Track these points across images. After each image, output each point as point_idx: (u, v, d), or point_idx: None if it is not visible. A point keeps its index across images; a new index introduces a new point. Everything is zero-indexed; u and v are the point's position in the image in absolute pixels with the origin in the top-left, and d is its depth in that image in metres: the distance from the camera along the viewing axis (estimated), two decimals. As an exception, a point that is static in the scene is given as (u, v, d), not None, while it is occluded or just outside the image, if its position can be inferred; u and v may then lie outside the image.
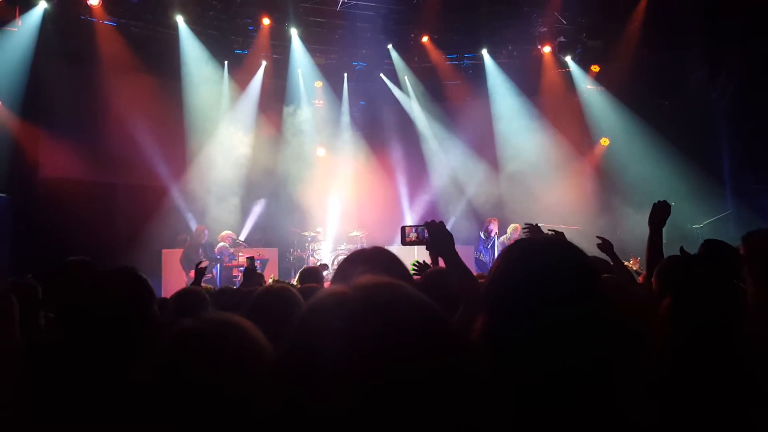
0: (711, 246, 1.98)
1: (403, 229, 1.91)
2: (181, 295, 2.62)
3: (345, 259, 1.37)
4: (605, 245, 2.81)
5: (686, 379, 1.24)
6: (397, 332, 0.52)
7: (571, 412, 0.80)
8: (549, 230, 2.87)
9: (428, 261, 2.76)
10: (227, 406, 0.78)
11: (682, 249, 2.38)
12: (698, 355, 1.27)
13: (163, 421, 0.78)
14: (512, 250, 0.97)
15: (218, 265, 8.35)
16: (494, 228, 8.08)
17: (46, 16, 7.88)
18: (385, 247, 1.40)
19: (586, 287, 0.88)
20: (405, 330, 0.53)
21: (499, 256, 0.99)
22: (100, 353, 1.21)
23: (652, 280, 1.88)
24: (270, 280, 4.72)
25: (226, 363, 0.81)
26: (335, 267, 8.70)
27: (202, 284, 6.45)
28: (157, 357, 0.83)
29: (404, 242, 1.90)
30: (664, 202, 2.45)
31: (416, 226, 1.88)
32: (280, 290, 1.78)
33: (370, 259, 1.32)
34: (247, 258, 3.88)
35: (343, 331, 0.53)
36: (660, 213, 2.42)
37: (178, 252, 8.29)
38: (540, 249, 0.94)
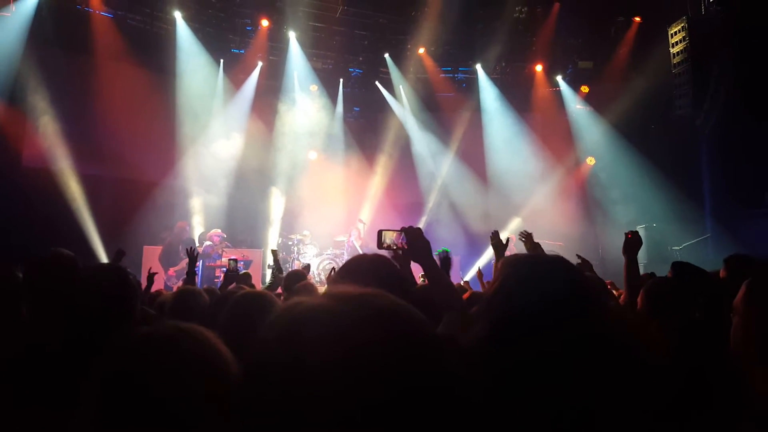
0: (680, 268, 2.05)
1: (380, 233, 1.85)
2: (180, 294, 2.55)
3: (342, 268, 1.39)
4: (584, 264, 2.92)
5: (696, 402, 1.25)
6: (382, 349, 0.50)
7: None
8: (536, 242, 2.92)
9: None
10: (174, 417, 0.75)
11: (652, 275, 2.48)
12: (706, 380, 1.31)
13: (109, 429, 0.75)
14: (517, 265, 0.98)
15: (200, 263, 8.24)
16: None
17: (41, 3, 7.79)
18: (379, 254, 1.41)
19: (587, 310, 0.90)
20: (390, 347, 0.50)
21: (501, 267, 1.01)
22: (78, 349, 1.19)
23: (638, 300, 1.94)
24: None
25: (178, 372, 0.78)
26: (319, 271, 8.64)
27: (180, 283, 6.35)
28: (105, 361, 0.81)
29: (380, 246, 1.86)
30: (636, 232, 2.61)
31: (394, 231, 1.85)
32: (256, 297, 1.73)
33: (366, 271, 1.32)
34: (229, 260, 3.80)
35: (327, 347, 0.50)
36: (633, 244, 2.56)
37: (158, 249, 8.18)
38: (545, 268, 0.96)
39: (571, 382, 0.83)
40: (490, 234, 2.88)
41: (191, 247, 3.50)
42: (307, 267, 4.49)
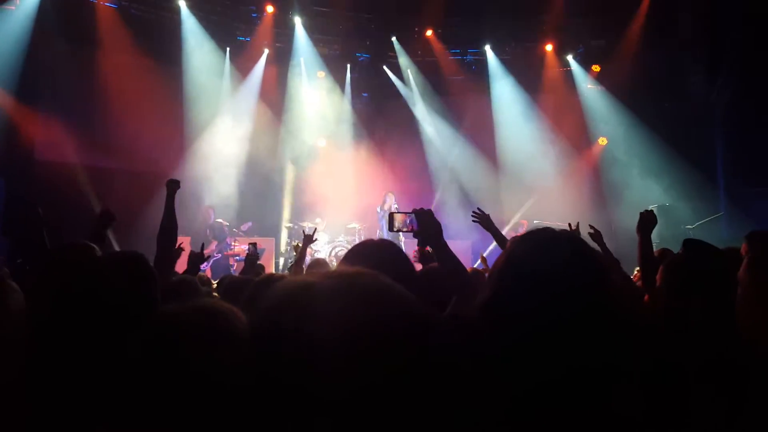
0: (691, 246, 2.04)
1: (391, 215, 1.92)
2: (174, 284, 2.63)
3: (349, 252, 1.41)
4: (596, 235, 2.96)
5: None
6: (369, 329, 0.50)
7: (567, 404, 0.82)
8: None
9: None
10: (209, 392, 0.77)
11: (664, 251, 2.48)
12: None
13: (148, 409, 0.76)
14: (523, 239, 1.01)
15: (219, 255, 8.33)
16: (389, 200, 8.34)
17: (45, -5, 7.78)
18: (391, 240, 1.42)
19: (596, 281, 0.91)
20: (377, 326, 0.50)
21: (512, 241, 1.03)
22: (96, 342, 1.18)
23: (657, 277, 1.95)
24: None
25: (208, 348, 0.80)
26: (331, 258, 8.71)
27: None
28: (140, 341, 0.82)
29: (391, 229, 1.92)
30: (651, 211, 2.59)
31: (405, 213, 1.89)
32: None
33: (372, 254, 1.35)
34: (249, 244, 3.86)
35: (315, 325, 0.50)
36: (647, 222, 2.54)
37: (182, 239, 8.24)
38: (555, 240, 0.98)
39: (576, 348, 0.85)
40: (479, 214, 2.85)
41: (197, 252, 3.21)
42: (309, 237, 4.20)
